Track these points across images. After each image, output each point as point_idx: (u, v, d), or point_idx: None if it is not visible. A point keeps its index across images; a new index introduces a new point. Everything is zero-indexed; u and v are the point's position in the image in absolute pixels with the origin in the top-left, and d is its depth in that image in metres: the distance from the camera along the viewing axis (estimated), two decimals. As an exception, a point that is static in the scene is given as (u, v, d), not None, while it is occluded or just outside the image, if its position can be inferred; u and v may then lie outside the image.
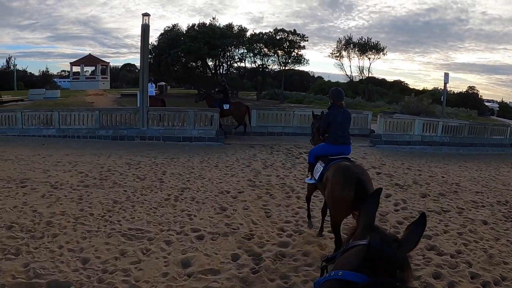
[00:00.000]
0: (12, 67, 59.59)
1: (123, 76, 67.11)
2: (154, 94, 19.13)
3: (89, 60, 55.58)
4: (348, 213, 5.00)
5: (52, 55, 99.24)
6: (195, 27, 37.61)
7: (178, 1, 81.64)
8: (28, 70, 63.57)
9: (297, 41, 37.97)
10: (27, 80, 56.88)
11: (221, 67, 40.13)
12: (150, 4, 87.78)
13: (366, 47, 41.87)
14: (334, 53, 43.81)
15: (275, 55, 38.89)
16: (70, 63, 56.80)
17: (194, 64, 38.76)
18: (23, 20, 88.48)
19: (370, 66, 43.25)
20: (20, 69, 62.04)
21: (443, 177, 11.62)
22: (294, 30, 37.85)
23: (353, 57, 43.03)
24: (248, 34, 38.59)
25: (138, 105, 15.03)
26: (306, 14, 76.00)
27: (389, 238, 1.46)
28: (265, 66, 40.26)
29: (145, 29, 14.28)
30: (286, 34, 37.80)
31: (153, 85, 19.30)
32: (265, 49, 38.01)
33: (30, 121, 15.87)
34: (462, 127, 17.78)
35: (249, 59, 39.84)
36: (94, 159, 11.91)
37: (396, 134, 16.32)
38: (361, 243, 1.48)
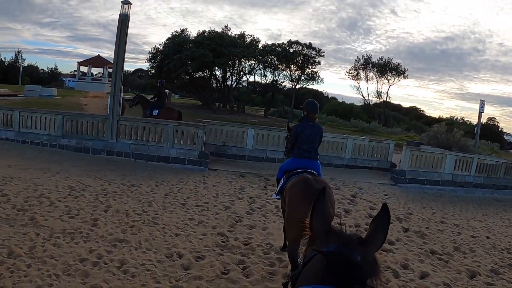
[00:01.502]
0: (20, 61, 59.28)
1: (132, 81, 65.46)
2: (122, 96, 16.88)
3: (97, 61, 53.90)
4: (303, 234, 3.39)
5: (70, 55, 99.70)
6: (205, 33, 34.79)
7: (198, 13, 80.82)
8: (40, 67, 63.81)
9: (312, 55, 35.06)
10: (34, 76, 56.37)
11: (230, 79, 37.24)
12: (171, 13, 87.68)
13: (386, 68, 38.97)
14: (351, 73, 41.07)
15: (288, 70, 36.06)
16: (78, 62, 55.51)
17: (201, 73, 35.92)
18: (44, 18, 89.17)
19: (389, 89, 40.35)
20: (33, 64, 62.23)
21: (488, 237, 8.79)
22: (310, 43, 34.98)
23: (371, 78, 40.23)
24: (260, 45, 35.90)
25: (109, 112, 12.16)
26: (324, 35, 74.79)
27: (350, 240, 1.30)
28: (277, 82, 37.40)
29: (123, 19, 11.40)
30: (300, 47, 34.87)
31: (121, 87, 16.96)
32: (277, 62, 35.10)
33: (-11, 121, 13.23)
34: (499, 166, 14.81)
35: (259, 72, 37.06)
36: (35, 176, 9.18)
37: (423, 171, 13.31)
38: (320, 252, 1.27)
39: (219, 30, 34.95)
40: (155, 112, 14.03)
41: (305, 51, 34.85)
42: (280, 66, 35.61)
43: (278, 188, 5.37)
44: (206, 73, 35.75)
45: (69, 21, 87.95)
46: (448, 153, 14.09)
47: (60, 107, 23.90)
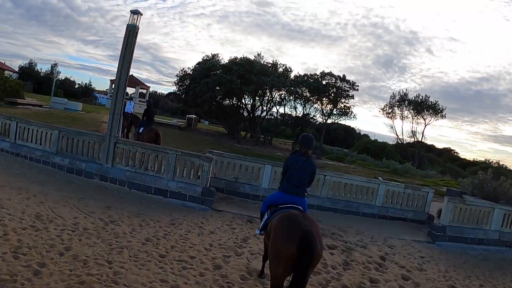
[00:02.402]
0: (55, 73, 61.06)
1: (164, 104, 65.60)
2: (132, 111, 16.97)
3: (129, 80, 53.96)
4: (289, 271, 4.11)
5: (109, 73, 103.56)
6: (236, 60, 33.30)
7: (237, 42, 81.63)
8: (77, 82, 66.35)
9: (346, 88, 33.20)
10: (69, 90, 57.83)
11: (260, 108, 35.73)
12: (210, 41, 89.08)
13: (423, 106, 36.76)
14: (386, 110, 39.02)
15: (319, 103, 34.29)
16: (110, 80, 56.28)
17: (229, 101, 34.63)
18: (88, 35, 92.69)
19: (425, 129, 37.97)
20: (69, 78, 64.75)
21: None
22: (344, 75, 33.03)
23: (407, 116, 38.02)
24: (292, 75, 34.40)
25: (107, 132, 10.70)
26: (359, 71, 73.86)
27: None
28: (309, 115, 35.68)
29: (131, 30, 10.06)
30: (334, 79, 33.00)
31: (132, 103, 17.29)
32: (308, 94, 33.44)
33: (-13, 129, 12.21)
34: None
35: (290, 104, 35.50)
36: (6, 197, 7.84)
37: (467, 228, 11.23)
38: None
39: (252, 58, 33.78)
40: (141, 130, 14.04)
41: (339, 83, 33.04)
42: (311, 98, 33.92)
43: (262, 223, 5.15)
44: (234, 100, 34.40)
45: (112, 41, 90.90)
46: (496, 207, 11.93)
47: (78, 121, 23.27)
